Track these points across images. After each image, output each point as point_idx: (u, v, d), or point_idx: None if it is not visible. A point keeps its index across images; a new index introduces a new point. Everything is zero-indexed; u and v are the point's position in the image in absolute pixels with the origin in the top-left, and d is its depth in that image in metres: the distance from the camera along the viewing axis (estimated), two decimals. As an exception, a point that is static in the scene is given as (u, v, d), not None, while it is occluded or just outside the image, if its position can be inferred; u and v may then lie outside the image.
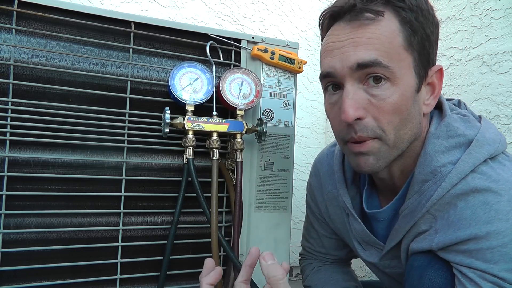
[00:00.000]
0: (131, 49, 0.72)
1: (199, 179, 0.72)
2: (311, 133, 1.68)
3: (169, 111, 0.70)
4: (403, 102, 0.57)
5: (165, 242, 0.73)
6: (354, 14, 0.57)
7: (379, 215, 0.69)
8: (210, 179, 0.73)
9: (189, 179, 0.72)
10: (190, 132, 0.71)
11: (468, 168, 0.57)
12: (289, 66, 0.84)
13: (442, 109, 0.66)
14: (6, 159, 0.63)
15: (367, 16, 0.56)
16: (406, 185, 0.65)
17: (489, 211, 0.54)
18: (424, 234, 0.61)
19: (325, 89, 0.64)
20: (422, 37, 0.58)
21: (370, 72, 0.56)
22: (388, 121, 0.57)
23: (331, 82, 0.61)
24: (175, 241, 0.73)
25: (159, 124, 0.73)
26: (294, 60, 0.84)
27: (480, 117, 0.65)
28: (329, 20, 0.61)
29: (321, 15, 0.63)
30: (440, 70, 0.62)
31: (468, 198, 0.56)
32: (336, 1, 0.60)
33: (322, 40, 0.65)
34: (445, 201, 0.58)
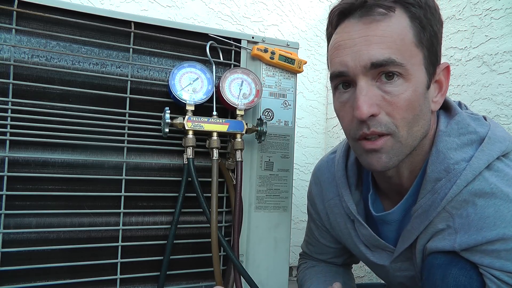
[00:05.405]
0: (131, 49, 0.72)
1: (199, 179, 0.72)
2: (311, 133, 1.68)
3: (169, 111, 0.70)
4: (416, 98, 0.57)
5: (165, 242, 0.73)
6: (365, 10, 0.56)
7: (389, 217, 0.68)
8: (210, 179, 0.73)
9: (189, 179, 0.72)
10: (190, 132, 0.71)
11: (482, 165, 0.56)
12: (289, 66, 0.84)
13: (448, 108, 0.65)
14: (6, 159, 0.63)
15: (379, 12, 0.56)
16: (415, 185, 0.64)
17: None
18: (442, 233, 0.60)
19: (335, 88, 0.63)
20: (431, 34, 0.58)
21: (383, 70, 0.56)
22: (402, 117, 0.56)
23: (342, 80, 0.60)
24: (175, 241, 0.73)
25: (159, 124, 0.73)
26: (294, 60, 0.84)
27: (484, 117, 0.65)
28: (338, 16, 0.60)
29: (330, 11, 0.62)
30: (447, 68, 0.62)
31: (488, 196, 0.55)
32: None
33: (329, 37, 0.64)
34: (462, 198, 0.57)
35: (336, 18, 0.61)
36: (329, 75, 0.63)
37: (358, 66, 0.56)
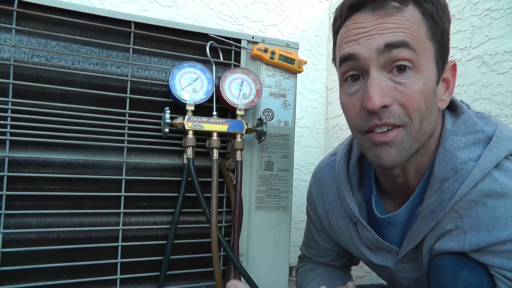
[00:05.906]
0: (131, 49, 0.72)
1: (199, 179, 0.72)
2: (311, 133, 1.68)
3: (169, 111, 0.70)
4: (427, 90, 0.56)
5: (165, 242, 0.73)
6: (378, 3, 0.56)
7: (395, 219, 0.67)
8: (210, 179, 0.73)
9: (189, 179, 0.72)
10: (190, 132, 0.71)
11: (490, 164, 0.56)
12: (289, 66, 0.84)
13: (454, 107, 0.65)
14: (6, 159, 0.63)
15: (393, 5, 0.55)
16: (422, 185, 0.63)
17: None
18: (450, 234, 0.59)
19: (341, 77, 0.61)
20: (442, 30, 0.58)
21: (396, 56, 0.54)
22: (415, 108, 0.55)
23: (352, 68, 0.58)
24: (175, 241, 0.73)
25: (159, 124, 0.73)
26: (294, 60, 0.84)
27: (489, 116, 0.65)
28: (349, 9, 0.59)
29: (340, 4, 0.61)
30: (454, 66, 0.62)
31: (498, 196, 0.55)
32: None
33: (336, 31, 0.63)
34: (471, 198, 0.56)
35: (347, 11, 0.59)
36: (338, 60, 0.61)
37: (371, 50, 0.55)
